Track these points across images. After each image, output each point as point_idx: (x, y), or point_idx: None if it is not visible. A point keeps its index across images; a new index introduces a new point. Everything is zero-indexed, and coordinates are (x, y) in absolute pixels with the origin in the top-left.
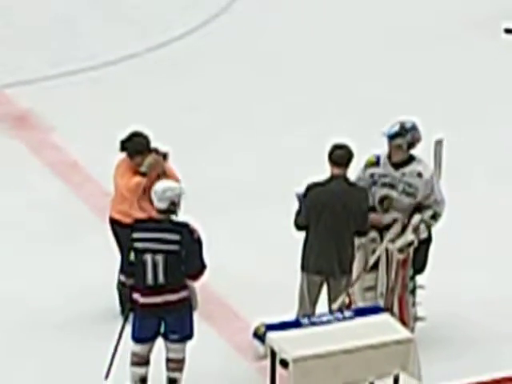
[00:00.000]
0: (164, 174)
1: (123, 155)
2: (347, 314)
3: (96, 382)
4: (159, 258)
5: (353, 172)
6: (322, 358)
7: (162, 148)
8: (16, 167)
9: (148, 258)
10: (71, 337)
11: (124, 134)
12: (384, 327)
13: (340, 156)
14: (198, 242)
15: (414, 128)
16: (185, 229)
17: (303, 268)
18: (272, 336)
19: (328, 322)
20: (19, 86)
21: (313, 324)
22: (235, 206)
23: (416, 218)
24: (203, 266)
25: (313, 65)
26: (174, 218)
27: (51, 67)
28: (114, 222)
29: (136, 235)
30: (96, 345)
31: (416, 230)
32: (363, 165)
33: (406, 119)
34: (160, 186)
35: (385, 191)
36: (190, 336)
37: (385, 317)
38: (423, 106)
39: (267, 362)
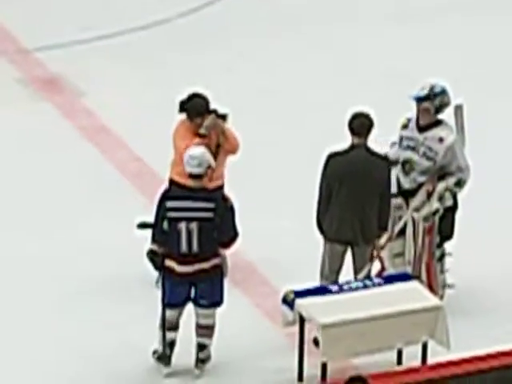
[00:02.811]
0: (223, 135)
1: (182, 116)
2: (376, 280)
3: (128, 345)
4: (193, 226)
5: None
6: (350, 324)
7: (221, 109)
8: (46, 131)
9: (182, 226)
10: (103, 302)
11: (183, 96)
12: (412, 294)
13: (360, 125)
14: (231, 209)
15: (443, 92)
16: (218, 196)
17: (325, 236)
18: (301, 302)
19: (357, 288)
20: (50, 49)
21: (341, 290)
22: (266, 170)
23: (440, 185)
24: (236, 234)
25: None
26: (207, 185)
27: (82, 31)
28: (173, 183)
29: (170, 204)
30: (129, 309)
31: (441, 198)
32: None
33: (436, 82)
34: (196, 151)
35: (407, 154)
36: (219, 302)
37: (413, 284)
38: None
39: (296, 328)
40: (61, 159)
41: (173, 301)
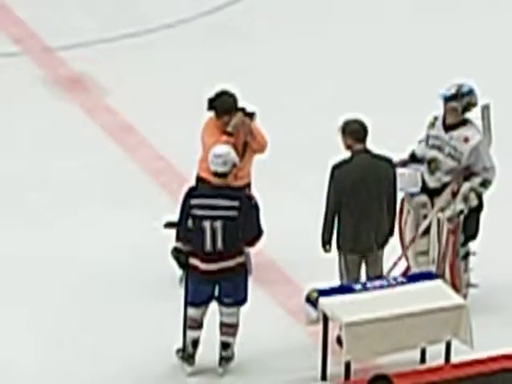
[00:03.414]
0: (251, 134)
1: (210, 114)
2: (400, 279)
3: (151, 342)
4: (218, 224)
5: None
6: (374, 323)
7: (249, 107)
8: (71, 130)
9: (207, 224)
10: (127, 301)
11: (211, 93)
12: (436, 293)
13: (358, 130)
14: (256, 207)
15: (470, 92)
16: (243, 195)
17: (340, 248)
18: (324, 301)
19: (380, 287)
20: (74, 48)
21: (365, 289)
22: (288, 170)
23: (465, 186)
24: (260, 232)
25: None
26: (232, 183)
27: (107, 30)
28: (200, 180)
29: (194, 202)
30: (153, 308)
31: (466, 198)
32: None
33: (464, 82)
34: (221, 148)
35: (433, 153)
36: (243, 301)
37: (437, 283)
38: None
39: (319, 327)
40: (84, 158)
41: (197, 300)
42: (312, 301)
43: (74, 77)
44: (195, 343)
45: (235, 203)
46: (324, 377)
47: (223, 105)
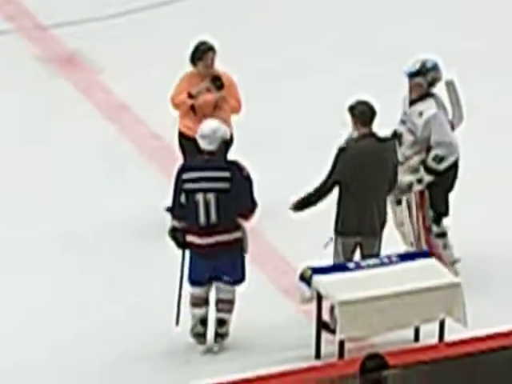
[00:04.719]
0: (223, 99)
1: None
2: (393, 258)
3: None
4: (211, 196)
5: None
6: (368, 301)
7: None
8: (65, 108)
9: (200, 197)
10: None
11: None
12: (430, 271)
13: (364, 113)
14: (248, 179)
15: (434, 67)
16: (234, 166)
17: (339, 232)
18: (318, 279)
19: (374, 265)
20: (68, 26)
21: (359, 268)
22: (285, 149)
23: (415, 159)
24: (254, 205)
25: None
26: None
27: (101, 8)
28: (181, 135)
29: (185, 176)
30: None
31: (414, 171)
32: None
33: (428, 57)
34: (208, 126)
35: (399, 128)
36: (241, 280)
37: (431, 261)
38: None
39: (313, 305)
40: (79, 136)
41: (198, 278)
42: (306, 279)
43: (68, 55)
44: (203, 321)
45: (226, 174)
46: (318, 355)
47: (196, 50)
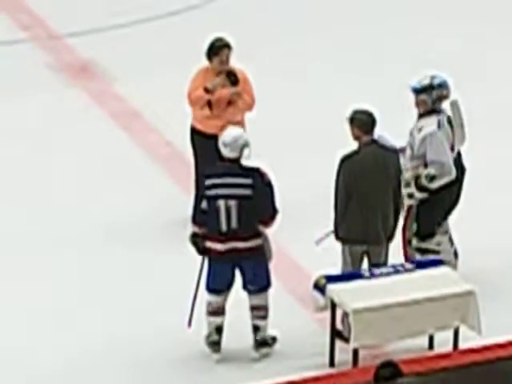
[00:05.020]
0: (237, 94)
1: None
2: (408, 266)
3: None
4: (232, 203)
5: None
6: (381, 309)
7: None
8: (78, 117)
9: (221, 203)
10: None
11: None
12: (444, 279)
13: (365, 122)
14: (269, 185)
15: (441, 85)
16: (256, 173)
17: (346, 240)
18: (332, 287)
19: (388, 274)
20: (81, 35)
21: (373, 276)
22: (297, 152)
23: (410, 173)
24: (275, 211)
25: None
26: (244, 163)
27: (114, 16)
28: (194, 130)
29: (208, 182)
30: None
31: (406, 185)
32: None
33: (437, 74)
34: (229, 135)
35: (407, 140)
36: (267, 286)
37: (445, 269)
38: None
39: (327, 314)
40: (92, 144)
41: (217, 286)
42: (320, 287)
43: (81, 64)
44: (219, 330)
45: (248, 181)
46: (332, 363)
47: (211, 47)
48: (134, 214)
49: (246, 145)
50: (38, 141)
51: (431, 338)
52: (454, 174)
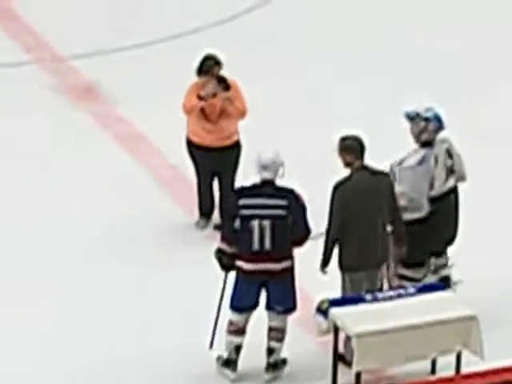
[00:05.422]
0: (228, 100)
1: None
2: (410, 290)
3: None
4: (266, 223)
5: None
6: (384, 333)
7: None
8: (82, 139)
9: (255, 224)
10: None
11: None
12: (447, 304)
13: (355, 147)
14: (303, 207)
15: (427, 119)
16: (291, 194)
17: (345, 268)
18: (335, 311)
19: (391, 298)
20: (85, 57)
21: (376, 300)
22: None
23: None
24: (308, 231)
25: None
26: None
27: (118, 39)
28: (189, 143)
29: (242, 202)
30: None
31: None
32: None
33: (431, 107)
34: (267, 157)
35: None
36: (293, 308)
37: (447, 294)
38: None
39: (330, 337)
40: (96, 167)
41: (241, 305)
42: (323, 311)
43: (84, 86)
44: (238, 349)
45: (283, 202)
46: None
47: (202, 65)
48: (137, 235)
49: (281, 164)
50: (42, 163)
51: (434, 362)
52: (424, 211)
